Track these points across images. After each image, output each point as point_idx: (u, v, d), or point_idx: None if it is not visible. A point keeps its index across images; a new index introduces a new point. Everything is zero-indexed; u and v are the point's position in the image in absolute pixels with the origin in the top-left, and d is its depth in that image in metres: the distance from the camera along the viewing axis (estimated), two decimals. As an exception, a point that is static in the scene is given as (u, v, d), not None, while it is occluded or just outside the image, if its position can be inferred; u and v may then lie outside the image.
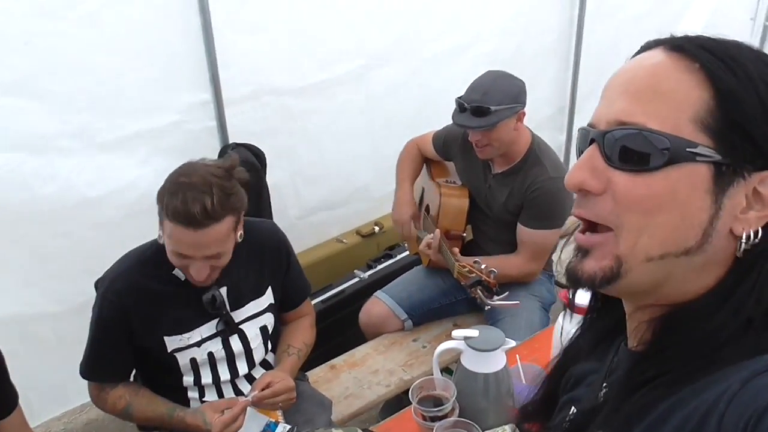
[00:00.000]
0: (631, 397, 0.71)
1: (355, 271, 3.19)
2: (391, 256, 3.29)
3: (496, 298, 2.13)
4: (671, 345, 0.71)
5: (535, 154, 2.45)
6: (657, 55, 0.73)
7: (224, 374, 1.96)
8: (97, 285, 1.91)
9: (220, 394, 1.98)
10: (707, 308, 0.70)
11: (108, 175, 2.56)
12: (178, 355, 1.89)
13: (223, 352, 1.94)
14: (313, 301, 2.69)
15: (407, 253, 3.23)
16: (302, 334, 2.13)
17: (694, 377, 0.67)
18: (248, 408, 1.88)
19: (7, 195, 2.34)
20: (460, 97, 2.36)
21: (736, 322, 0.68)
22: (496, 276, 2.13)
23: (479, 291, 2.13)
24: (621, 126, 0.70)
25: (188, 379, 1.94)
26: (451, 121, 2.47)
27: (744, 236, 0.68)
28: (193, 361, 1.91)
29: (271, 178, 2.91)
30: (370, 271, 3.18)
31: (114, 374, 1.93)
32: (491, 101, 2.28)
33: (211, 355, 1.93)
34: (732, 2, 4.84)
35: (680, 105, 0.68)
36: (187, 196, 1.66)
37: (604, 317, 0.89)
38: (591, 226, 0.74)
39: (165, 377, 1.95)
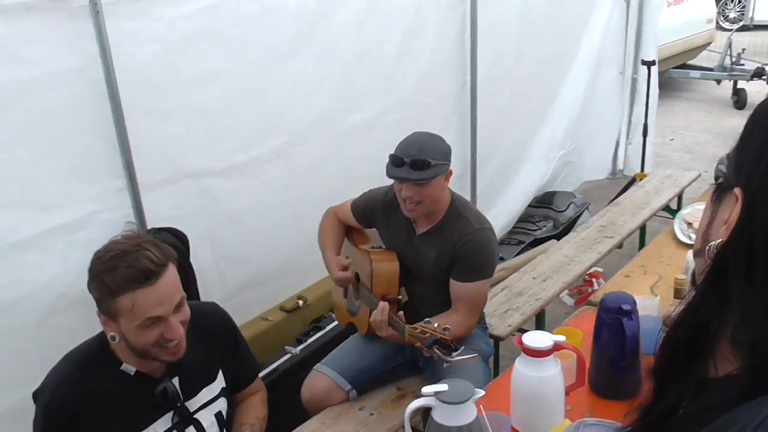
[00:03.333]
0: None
1: (285, 347, 3.13)
2: (319, 329, 3.25)
3: (454, 354, 2.15)
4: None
5: (457, 210, 2.52)
6: None
7: (181, 468, 1.87)
8: (36, 396, 1.78)
9: (180, 490, 1.87)
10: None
11: (22, 277, 2.42)
12: None
13: (180, 446, 1.85)
14: (250, 383, 2.61)
15: (336, 323, 3.21)
16: (255, 410, 2.09)
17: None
18: None
19: None
20: (394, 154, 2.40)
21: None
22: (451, 333, 2.15)
23: (436, 350, 2.13)
24: None
25: (144, 479, 1.83)
26: (367, 189, 2.51)
27: (714, 243, 0.74)
28: (150, 458, 1.81)
29: (195, 263, 2.84)
30: (301, 346, 3.12)
31: None
32: (428, 155, 2.34)
33: (168, 450, 1.83)
34: (604, 59, 5.27)
35: None
36: (127, 261, 1.64)
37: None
38: None
39: None
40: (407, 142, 2.42)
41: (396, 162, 2.38)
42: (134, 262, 1.63)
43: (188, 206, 2.90)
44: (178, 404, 1.84)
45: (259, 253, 3.28)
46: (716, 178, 0.73)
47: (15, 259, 2.40)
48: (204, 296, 2.92)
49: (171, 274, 1.71)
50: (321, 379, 2.61)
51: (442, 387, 1.68)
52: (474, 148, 4.24)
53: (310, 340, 3.17)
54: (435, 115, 3.92)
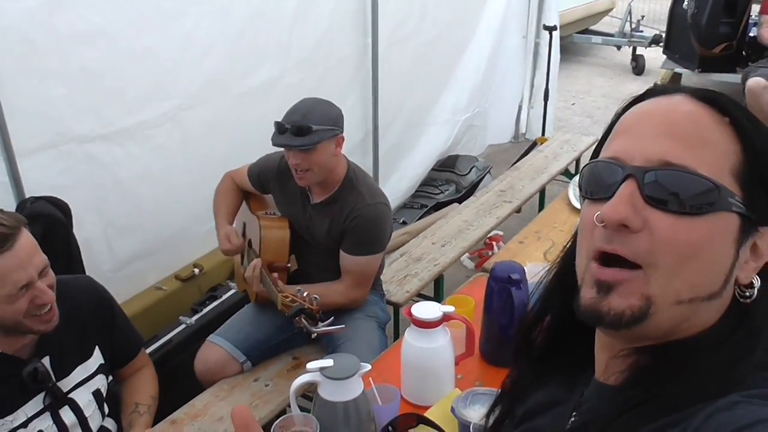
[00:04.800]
0: (611, 426, 0.72)
1: (180, 317, 3.04)
2: (215, 298, 3.17)
3: (320, 324, 2.13)
4: (655, 379, 0.72)
5: (352, 182, 2.49)
6: (686, 102, 0.74)
7: (60, 452, 1.79)
8: None
9: (58, 475, 1.79)
10: (702, 346, 0.72)
11: None
12: None
13: (54, 427, 1.77)
14: (140, 355, 2.52)
15: (233, 292, 3.14)
16: (146, 387, 2.02)
17: (676, 409, 0.68)
18: None
19: None
20: (278, 120, 2.34)
21: (726, 360, 0.70)
22: (319, 302, 2.14)
23: (303, 320, 2.13)
24: (668, 167, 0.71)
25: (20, 468, 1.74)
26: (264, 154, 2.44)
27: (754, 283, 0.74)
28: (22, 444, 1.72)
29: (81, 233, 2.69)
30: (196, 316, 3.04)
31: None
32: (311, 121, 2.29)
33: (41, 433, 1.74)
34: (508, 23, 5.30)
35: (722, 155, 0.71)
36: None
37: (566, 347, 0.89)
38: (606, 261, 0.73)
39: None
40: (293, 108, 2.36)
41: (280, 129, 2.33)
42: None
43: (72, 173, 2.75)
44: (50, 384, 1.75)
45: (151, 221, 3.16)
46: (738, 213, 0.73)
47: None
48: (91, 267, 2.79)
49: (26, 237, 1.64)
50: (214, 350, 2.55)
51: (327, 362, 1.66)
52: (376, 112, 4.20)
53: (205, 310, 3.09)
54: (335, 79, 3.84)
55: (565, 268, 0.86)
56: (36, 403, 1.74)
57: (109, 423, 1.93)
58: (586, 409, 0.81)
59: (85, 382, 1.84)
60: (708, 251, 0.71)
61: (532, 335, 0.91)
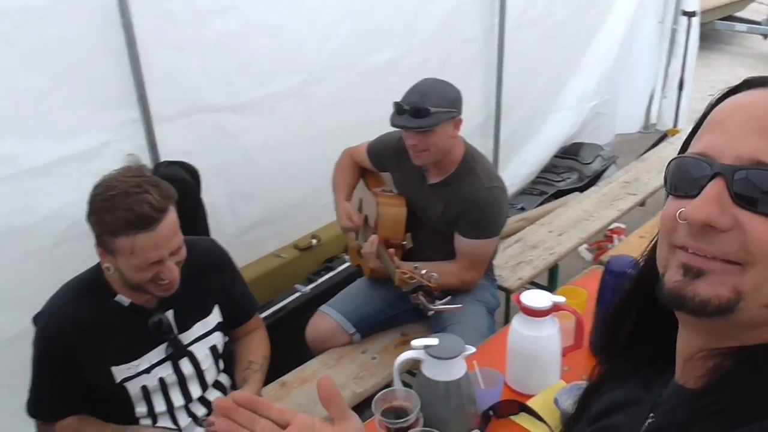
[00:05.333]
0: (692, 430, 0.69)
1: (295, 285, 3.15)
2: (331, 269, 3.27)
3: (438, 302, 2.14)
4: (739, 384, 0.69)
5: (469, 164, 2.48)
6: None
7: (177, 400, 1.91)
8: (36, 320, 1.82)
9: (175, 422, 1.92)
10: None
11: (37, 203, 2.45)
12: (127, 385, 1.82)
13: (174, 376, 1.89)
14: (255, 319, 2.64)
15: (347, 264, 3.22)
16: (259, 347, 2.11)
17: (756, 418, 0.65)
18: None
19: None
20: (397, 101, 2.36)
21: None
22: (437, 280, 2.15)
23: (421, 296, 2.14)
24: (760, 166, 0.67)
25: (141, 410, 1.87)
26: (384, 132, 2.47)
27: None
28: (144, 389, 1.85)
29: (207, 198, 2.84)
30: (311, 285, 3.15)
31: (61, 412, 1.85)
32: (429, 103, 2.29)
33: (162, 381, 1.87)
34: (643, 8, 5.08)
35: None
36: (127, 203, 1.62)
37: (648, 347, 0.86)
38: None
39: (115, 411, 1.87)
40: (412, 88, 2.37)
41: (398, 110, 2.34)
42: (135, 206, 1.62)
43: (202, 141, 2.89)
44: (172, 335, 1.87)
45: (272, 191, 3.28)
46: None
47: (29, 186, 2.43)
48: (216, 232, 2.94)
49: (170, 219, 1.70)
50: (326, 320, 2.63)
51: (432, 341, 1.68)
52: (499, 95, 4.15)
53: (320, 280, 3.19)
54: (459, 60, 3.82)
55: (649, 263, 0.82)
56: (159, 352, 1.86)
57: (224, 378, 2.04)
58: (664, 411, 0.78)
59: (204, 337, 1.95)
60: None
61: (616, 332, 0.88)
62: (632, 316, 0.87)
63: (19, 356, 1.86)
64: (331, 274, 3.22)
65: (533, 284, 3.12)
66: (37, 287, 1.90)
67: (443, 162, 2.46)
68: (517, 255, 3.21)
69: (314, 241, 3.38)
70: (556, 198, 4.53)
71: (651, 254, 0.82)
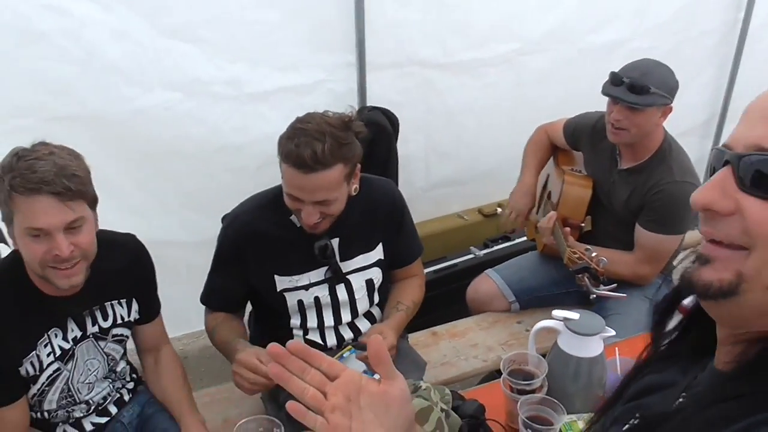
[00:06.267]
0: (710, 409, 0.71)
1: (471, 247, 3.22)
2: (509, 239, 3.30)
3: (602, 287, 2.11)
4: (762, 370, 0.70)
5: (664, 155, 2.38)
6: None
7: (328, 320, 2.08)
8: (223, 220, 2.06)
9: (323, 339, 2.09)
10: None
11: (252, 125, 2.73)
12: (286, 295, 2.02)
13: (328, 298, 2.05)
14: (426, 270, 2.74)
15: (525, 238, 3.23)
16: (412, 292, 2.20)
17: None
18: (349, 352, 1.99)
19: (161, 130, 2.56)
20: (615, 71, 2.31)
21: None
22: (605, 265, 2.11)
23: (586, 278, 2.12)
24: (759, 151, 0.69)
25: (295, 321, 2.06)
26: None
27: None
28: (300, 303, 2.03)
29: (403, 149, 2.99)
30: (486, 250, 3.21)
31: (226, 303, 2.08)
32: (650, 82, 2.24)
33: (317, 299, 2.04)
34: None
35: None
36: (300, 140, 1.77)
37: (695, 333, 0.87)
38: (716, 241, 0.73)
39: (274, 318, 2.08)
40: (633, 64, 2.32)
41: (614, 80, 2.29)
42: (302, 146, 1.76)
43: (409, 93, 3.03)
44: (334, 261, 2.02)
45: (468, 154, 3.35)
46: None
47: (250, 108, 2.71)
48: (406, 182, 3.09)
49: (328, 176, 1.79)
50: (488, 283, 2.68)
51: (573, 315, 1.68)
52: (728, 96, 3.86)
53: (496, 247, 3.24)
54: (691, 52, 3.59)
55: None
56: (319, 274, 2.03)
57: (376, 311, 2.17)
58: (694, 393, 0.79)
59: (363, 270, 2.09)
60: None
61: (665, 318, 0.90)
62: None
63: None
64: (507, 243, 3.26)
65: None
66: (239, 200, 2.13)
67: (638, 147, 2.39)
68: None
69: (499, 210, 3.41)
70: None
71: None
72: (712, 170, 0.76)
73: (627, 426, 0.86)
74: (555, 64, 3.29)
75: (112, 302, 1.84)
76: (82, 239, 1.63)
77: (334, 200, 1.87)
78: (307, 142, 1.76)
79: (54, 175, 1.53)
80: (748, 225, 0.69)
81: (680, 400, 0.81)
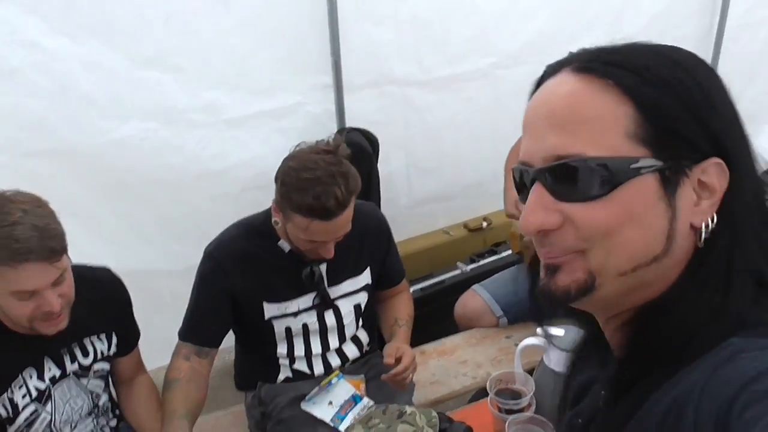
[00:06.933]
0: (619, 402, 0.75)
1: (457, 263, 3.21)
2: (495, 253, 3.28)
3: None
4: (645, 346, 0.74)
5: None
6: (567, 80, 0.73)
7: (316, 347, 2.06)
8: (207, 248, 2.02)
9: (310, 367, 2.07)
10: (671, 303, 0.72)
11: (230, 151, 2.71)
12: (274, 323, 2.00)
13: (317, 324, 2.03)
14: (412, 288, 2.72)
15: (511, 251, 3.22)
16: (405, 307, 2.22)
17: (671, 372, 0.70)
18: (338, 378, 1.97)
19: (139, 160, 2.53)
20: None
21: (701, 308, 0.70)
22: None
23: None
24: (560, 160, 0.70)
25: (281, 350, 2.05)
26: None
27: (703, 226, 0.71)
28: (288, 330, 2.01)
29: (385, 167, 2.98)
30: (473, 265, 3.19)
31: (209, 337, 1.97)
32: None
33: (305, 326, 2.02)
34: None
35: (610, 126, 0.69)
36: (317, 191, 1.74)
37: (588, 328, 0.90)
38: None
39: (260, 345, 2.06)
40: None
41: None
42: (323, 197, 1.74)
43: (387, 112, 3.02)
44: (322, 287, 2.01)
45: (450, 169, 3.34)
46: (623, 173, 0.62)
47: (225, 135, 2.70)
48: (389, 201, 3.07)
49: (348, 213, 1.82)
50: (475, 298, 2.66)
51: (558, 331, 1.66)
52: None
53: (483, 261, 3.22)
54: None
55: None
56: (307, 300, 2.01)
57: (362, 334, 2.16)
58: (608, 384, 0.82)
59: (351, 295, 2.08)
60: (634, 221, 0.70)
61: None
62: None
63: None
64: (494, 257, 3.24)
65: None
66: (221, 226, 2.10)
67: None
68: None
69: (485, 224, 3.40)
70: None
71: None
72: (518, 190, 0.78)
73: None
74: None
75: (91, 337, 1.81)
76: (67, 289, 1.61)
77: (348, 230, 1.89)
78: (324, 192, 1.74)
79: (38, 240, 1.49)
80: (580, 230, 0.71)
81: (603, 393, 0.83)
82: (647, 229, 0.70)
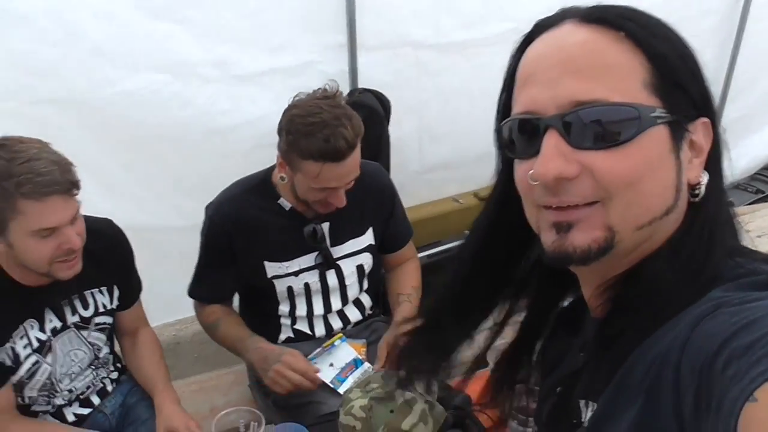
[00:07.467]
0: (603, 360, 0.75)
1: (465, 232, 3.17)
2: (503, 222, 3.25)
3: None
4: (627, 303, 0.73)
5: None
6: (578, 29, 0.72)
7: (318, 308, 2.04)
8: (207, 209, 2.00)
9: (311, 328, 2.06)
10: (670, 256, 0.72)
11: (241, 107, 2.68)
12: (276, 282, 1.98)
13: (318, 284, 2.02)
14: (420, 255, 2.68)
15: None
16: (409, 279, 2.18)
17: (651, 327, 0.70)
18: (340, 340, 1.97)
19: (149, 113, 2.50)
20: None
21: (693, 260, 0.71)
22: None
23: None
24: (582, 106, 0.69)
25: (284, 309, 2.03)
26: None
27: (700, 182, 0.73)
28: (290, 289, 2.00)
29: (397, 131, 2.94)
30: (482, 234, 3.16)
31: (215, 295, 2.04)
32: None
33: (307, 286, 2.00)
34: None
35: (630, 74, 0.69)
36: (326, 134, 1.72)
37: (556, 299, 0.92)
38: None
39: (263, 304, 2.04)
40: None
41: None
42: (332, 138, 1.72)
43: (401, 74, 2.97)
44: (324, 246, 1.98)
45: (463, 136, 3.28)
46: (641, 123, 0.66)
47: (238, 91, 2.66)
48: (400, 166, 3.04)
49: (356, 154, 1.80)
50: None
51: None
52: (729, 77, 3.80)
53: (492, 231, 3.18)
54: (689, 33, 3.43)
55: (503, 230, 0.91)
56: (309, 259, 1.99)
57: (365, 297, 2.14)
58: (588, 346, 0.82)
59: (354, 255, 2.05)
60: (652, 171, 0.70)
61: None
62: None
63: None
64: (504, 228, 3.20)
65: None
66: (228, 183, 2.09)
67: None
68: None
69: (495, 193, 3.36)
70: (774, 199, 4.11)
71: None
72: (507, 143, 0.76)
73: (552, 400, 0.89)
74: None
75: (93, 290, 1.81)
76: (80, 227, 1.63)
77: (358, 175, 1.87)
78: (333, 133, 1.72)
79: (60, 173, 1.51)
80: (600, 179, 0.69)
81: (581, 354, 0.84)
82: (663, 180, 0.71)
